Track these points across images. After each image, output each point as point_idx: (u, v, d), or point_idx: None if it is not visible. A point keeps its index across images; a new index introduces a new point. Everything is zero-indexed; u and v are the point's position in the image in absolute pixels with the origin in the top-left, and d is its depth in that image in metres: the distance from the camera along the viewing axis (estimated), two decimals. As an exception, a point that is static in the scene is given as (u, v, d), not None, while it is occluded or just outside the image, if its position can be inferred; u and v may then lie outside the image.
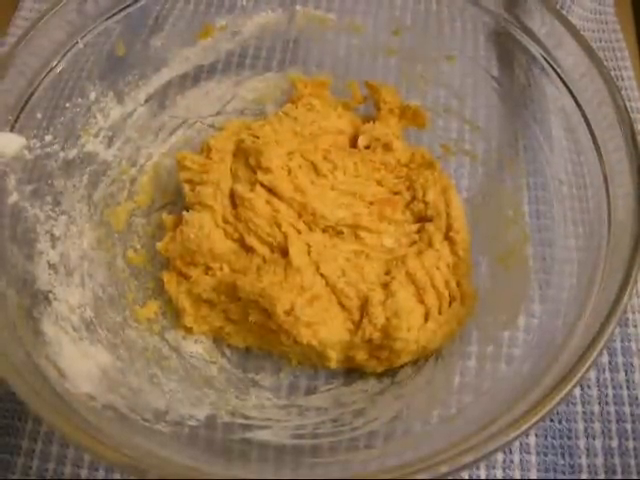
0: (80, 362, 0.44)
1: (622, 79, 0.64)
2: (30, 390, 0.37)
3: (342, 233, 0.50)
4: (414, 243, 0.51)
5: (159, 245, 0.50)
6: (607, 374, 0.50)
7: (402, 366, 0.49)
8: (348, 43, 0.55)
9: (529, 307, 0.47)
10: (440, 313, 0.48)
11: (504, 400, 0.39)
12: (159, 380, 0.47)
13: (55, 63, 0.48)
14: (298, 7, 0.55)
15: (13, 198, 0.46)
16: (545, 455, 0.48)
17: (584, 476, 0.47)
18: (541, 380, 0.38)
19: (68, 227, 0.50)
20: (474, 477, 0.47)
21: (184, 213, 0.50)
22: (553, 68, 0.48)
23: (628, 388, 0.50)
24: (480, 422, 0.37)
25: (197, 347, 0.51)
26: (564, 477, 0.47)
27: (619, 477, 0.47)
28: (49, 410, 0.37)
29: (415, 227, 0.52)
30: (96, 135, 0.52)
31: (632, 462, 0.47)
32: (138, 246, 0.54)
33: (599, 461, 0.47)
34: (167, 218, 0.52)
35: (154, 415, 0.43)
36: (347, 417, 0.47)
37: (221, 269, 0.49)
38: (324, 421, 0.48)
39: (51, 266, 0.47)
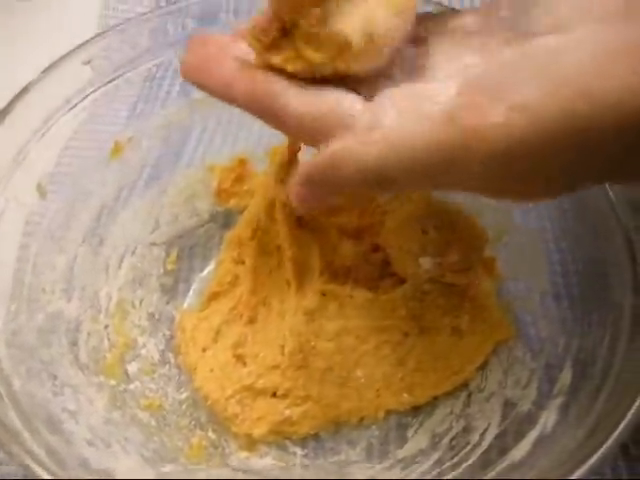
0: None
1: None
2: None
3: None
4: None
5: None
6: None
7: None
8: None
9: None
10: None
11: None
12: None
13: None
14: (196, 95, 0.53)
15: (17, 383, 0.39)
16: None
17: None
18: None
19: (76, 398, 0.43)
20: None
21: None
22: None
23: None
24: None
25: (266, 461, 0.46)
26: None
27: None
28: None
29: None
30: (52, 291, 0.46)
31: None
32: (147, 391, 0.48)
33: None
34: None
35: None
36: (459, 441, 0.45)
37: None
38: (435, 460, 0.45)
39: (89, 443, 0.40)
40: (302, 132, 0.34)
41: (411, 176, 0.31)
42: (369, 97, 0.33)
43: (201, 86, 0.36)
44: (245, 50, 0.35)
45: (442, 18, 0.35)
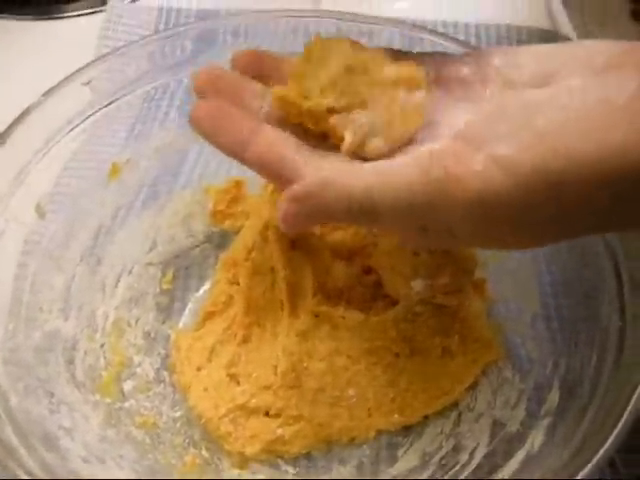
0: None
1: None
2: None
3: None
4: None
5: None
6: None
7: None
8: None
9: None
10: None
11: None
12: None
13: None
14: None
15: (13, 400, 0.40)
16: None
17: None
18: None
19: (72, 415, 0.43)
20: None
21: None
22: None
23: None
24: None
25: (258, 478, 0.46)
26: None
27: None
28: None
29: None
30: (49, 310, 0.47)
31: None
32: (142, 409, 0.48)
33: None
34: None
35: None
36: (448, 460, 0.46)
37: None
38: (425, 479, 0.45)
39: (84, 460, 0.41)
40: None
41: (395, 212, 0.33)
42: None
43: (211, 140, 0.36)
44: (258, 92, 0.37)
45: (439, 65, 0.37)
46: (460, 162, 0.31)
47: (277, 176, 0.35)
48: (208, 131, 0.36)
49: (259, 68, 0.38)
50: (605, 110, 0.30)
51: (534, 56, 0.34)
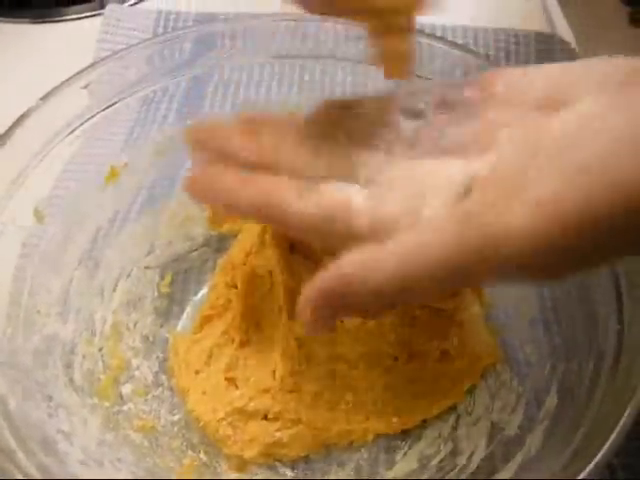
0: None
1: None
2: None
3: None
4: None
5: None
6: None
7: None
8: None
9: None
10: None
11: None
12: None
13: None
14: (190, 121, 0.54)
15: (12, 403, 0.39)
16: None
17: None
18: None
19: (70, 419, 0.43)
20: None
21: None
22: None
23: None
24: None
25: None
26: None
27: None
28: None
29: None
30: (47, 314, 0.47)
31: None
32: (140, 413, 0.48)
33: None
34: None
35: None
36: (446, 464, 0.46)
37: None
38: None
39: (83, 464, 0.41)
40: (310, 234, 0.34)
41: (431, 286, 0.30)
42: (369, 181, 0.33)
43: (206, 202, 0.37)
44: (245, 147, 0.36)
45: (440, 90, 0.35)
46: (497, 219, 0.28)
47: (275, 221, 0.35)
48: (202, 196, 0.36)
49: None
50: (630, 137, 0.27)
51: (543, 76, 0.32)
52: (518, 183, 0.28)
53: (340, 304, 0.31)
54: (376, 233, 0.31)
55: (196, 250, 0.57)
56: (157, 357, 0.51)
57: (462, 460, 0.45)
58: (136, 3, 0.74)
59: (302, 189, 0.33)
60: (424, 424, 0.48)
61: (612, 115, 0.28)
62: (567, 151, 0.28)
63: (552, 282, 0.39)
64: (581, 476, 0.35)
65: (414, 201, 0.31)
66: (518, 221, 0.28)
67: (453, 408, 0.48)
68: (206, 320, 0.52)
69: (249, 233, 0.51)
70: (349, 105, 0.37)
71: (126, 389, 0.49)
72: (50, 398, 0.43)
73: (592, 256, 0.30)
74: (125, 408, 0.48)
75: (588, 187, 0.27)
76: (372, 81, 0.52)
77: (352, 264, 0.30)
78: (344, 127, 0.36)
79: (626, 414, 0.36)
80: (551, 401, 0.43)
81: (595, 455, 0.35)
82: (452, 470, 0.45)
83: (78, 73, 0.49)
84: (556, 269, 0.30)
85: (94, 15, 0.73)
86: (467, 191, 0.30)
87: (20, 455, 0.37)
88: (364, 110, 0.36)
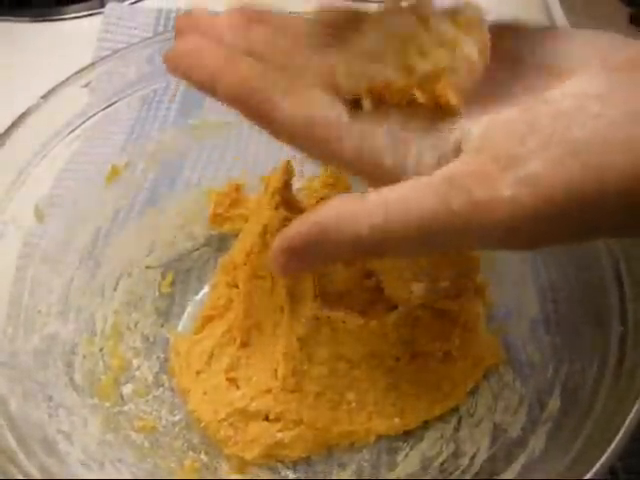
0: None
1: None
2: None
3: None
4: None
5: None
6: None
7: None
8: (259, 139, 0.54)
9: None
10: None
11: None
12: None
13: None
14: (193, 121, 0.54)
15: (13, 404, 0.39)
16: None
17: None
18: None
19: (71, 419, 0.43)
20: None
21: None
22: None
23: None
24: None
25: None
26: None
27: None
28: None
29: None
30: (48, 314, 0.47)
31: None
32: (141, 413, 0.48)
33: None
34: None
35: None
36: (448, 465, 0.46)
37: None
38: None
39: (83, 464, 0.41)
40: (292, 135, 0.32)
41: (409, 249, 0.30)
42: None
43: (186, 79, 0.33)
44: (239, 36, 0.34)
45: None
46: (486, 187, 0.28)
47: (256, 112, 0.32)
48: (182, 69, 0.33)
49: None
50: (637, 118, 0.28)
51: (550, 40, 0.32)
52: (510, 154, 0.28)
53: (315, 251, 0.30)
54: (360, 163, 0.31)
55: (197, 250, 0.56)
56: (158, 357, 0.51)
57: (464, 461, 0.45)
58: (136, 1, 0.74)
59: (291, 87, 0.32)
60: (426, 425, 0.48)
61: (609, 98, 0.29)
62: (561, 131, 0.28)
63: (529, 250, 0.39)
64: (585, 478, 0.34)
65: (402, 147, 0.31)
66: (507, 192, 0.28)
67: (455, 409, 0.48)
68: (207, 320, 0.51)
69: (250, 233, 0.51)
70: (360, 18, 0.35)
71: (127, 389, 0.49)
72: (50, 398, 0.43)
73: (578, 233, 0.30)
74: (126, 408, 0.48)
75: (578, 169, 0.27)
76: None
77: (331, 212, 0.30)
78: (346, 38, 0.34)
79: (630, 415, 0.36)
80: (554, 402, 0.43)
81: (599, 457, 0.35)
82: (454, 471, 0.45)
83: (78, 72, 0.49)
84: (536, 241, 0.31)
85: (94, 14, 0.73)
86: (457, 150, 0.30)
87: (20, 455, 0.37)
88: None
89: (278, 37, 0.35)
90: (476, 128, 0.30)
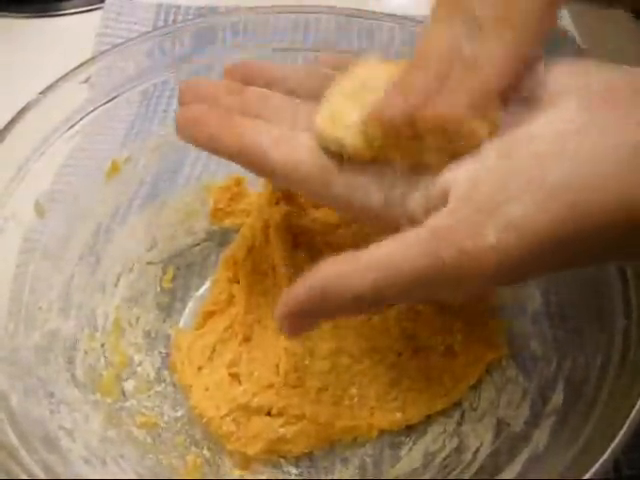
0: None
1: None
2: None
3: None
4: None
5: None
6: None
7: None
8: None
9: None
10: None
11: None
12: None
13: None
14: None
15: (14, 400, 0.39)
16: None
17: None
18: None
19: (73, 416, 0.43)
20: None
21: None
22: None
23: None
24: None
25: (260, 477, 0.46)
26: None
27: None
28: None
29: None
30: (49, 310, 0.47)
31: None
32: (143, 409, 0.48)
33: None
34: None
35: None
36: (451, 460, 0.45)
37: None
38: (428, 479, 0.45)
39: (85, 461, 0.41)
40: (284, 180, 0.36)
41: (407, 294, 0.31)
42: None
43: (192, 143, 0.39)
44: (233, 89, 0.39)
45: None
46: (473, 237, 0.28)
47: (253, 166, 0.36)
48: (187, 136, 0.39)
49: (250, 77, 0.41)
50: (617, 154, 0.28)
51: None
52: (494, 201, 0.29)
53: (318, 311, 0.32)
54: (349, 206, 0.34)
55: (198, 245, 0.56)
56: (159, 353, 0.51)
57: (468, 456, 0.45)
58: (136, -4, 0.74)
59: (280, 137, 0.35)
60: (429, 420, 0.48)
61: (586, 133, 0.29)
62: (540, 175, 0.29)
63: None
64: (589, 473, 0.34)
65: (390, 191, 0.33)
66: (492, 240, 0.28)
67: (458, 404, 0.48)
68: (208, 315, 0.51)
69: (251, 228, 0.51)
70: (344, 65, 0.38)
71: (128, 385, 0.49)
72: (52, 394, 0.43)
73: (565, 264, 0.32)
74: (127, 404, 0.48)
75: (559, 210, 0.28)
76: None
77: (326, 275, 0.31)
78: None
79: (635, 410, 0.35)
80: (558, 397, 0.43)
81: (603, 452, 0.35)
82: (458, 466, 0.45)
83: (78, 67, 0.49)
84: (525, 276, 0.33)
85: (94, 9, 0.72)
86: (444, 196, 0.30)
87: (22, 452, 0.37)
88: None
89: (272, 91, 0.39)
90: (462, 175, 0.31)
